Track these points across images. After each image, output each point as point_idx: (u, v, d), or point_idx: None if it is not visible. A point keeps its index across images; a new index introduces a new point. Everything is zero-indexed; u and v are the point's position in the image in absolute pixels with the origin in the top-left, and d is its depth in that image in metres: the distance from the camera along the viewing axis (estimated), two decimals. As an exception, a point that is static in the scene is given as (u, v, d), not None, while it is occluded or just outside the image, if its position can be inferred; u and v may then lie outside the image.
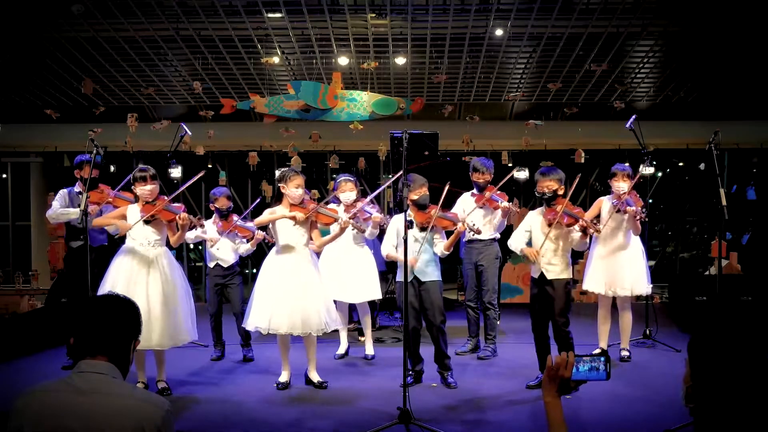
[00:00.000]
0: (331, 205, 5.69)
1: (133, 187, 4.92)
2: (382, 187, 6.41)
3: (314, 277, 5.00)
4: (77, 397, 1.98)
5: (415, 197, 5.01)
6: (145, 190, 4.85)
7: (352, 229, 5.35)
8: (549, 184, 4.90)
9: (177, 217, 4.77)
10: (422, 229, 5.02)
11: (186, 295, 4.96)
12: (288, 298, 4.84)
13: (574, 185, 5.00)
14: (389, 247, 5.18)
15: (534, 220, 5.05)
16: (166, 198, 4.94)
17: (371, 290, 5.89)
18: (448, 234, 5.12)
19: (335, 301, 5.36)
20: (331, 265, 5.73)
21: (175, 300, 4.84)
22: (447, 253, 5.06)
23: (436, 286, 5.06)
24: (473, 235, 5.28)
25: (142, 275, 4.77)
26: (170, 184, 7.40)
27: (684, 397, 1.86)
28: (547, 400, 2.05)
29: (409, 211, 5.03)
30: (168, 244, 4.98)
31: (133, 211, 4.90)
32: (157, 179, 4.96)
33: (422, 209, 5.05)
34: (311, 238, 5.10)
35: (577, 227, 4.83)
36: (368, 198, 5.94)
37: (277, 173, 6.66)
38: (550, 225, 4.88)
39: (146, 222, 4.83)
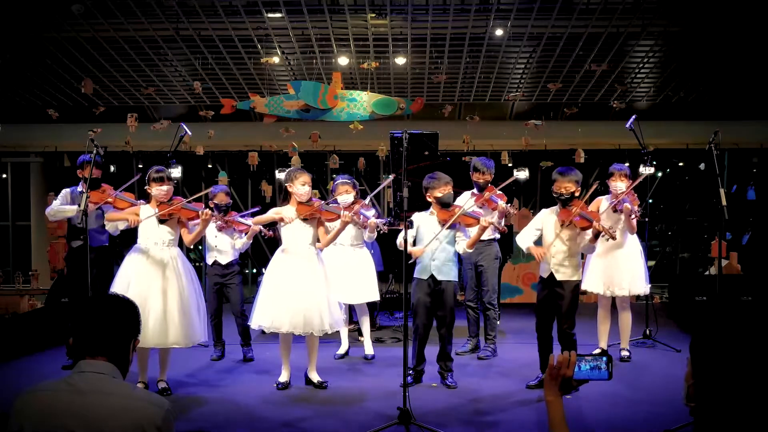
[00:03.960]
0: (332, 205, 5.69)
1: (147, 187, 4.94)
2: (378, 189, 6.37)
3: (319, 276, 4.98)
4: (77, 397, 1.97)
5: (438, 195, 4.99)
6: (161, 190, 4.87)
7: (354, 226, 5.31)
8: (567, 186, 4.83)
9: (201, 213, 4.81)
10: (448, 227, 4.93)
11: (198, 296, 4.99)
12: (290, 297, 4.84)
13: (591, 190, 5.00)
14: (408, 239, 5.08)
15: (547, 219, 4.98)
16: (182, 198, 4.99)
17: (369, 292, 5.88)
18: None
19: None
20: (329, 265, 5.72)
21: (189, 300, 4.87)
22: (469, 251, 5.08)
23: (452, 286, 5.04)
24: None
25: (158, 274, 4.78)
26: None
27: (685, 396, 1.85)
28: (548, 399, 2.04)
29: (432, 209, 5.02)
30: (180, 244, 5.00)
31: (146, 211, 4.91)
32: (172, 180, 5.01)
33: (445, 207, 5.02)
34: (318, 237, 5.09)
35: (590, 231, 4.80)
36: (365, 200, 5.92)
37: (282, 174, 6.64)
38: (563, 225, 4.83)
39: (161, 222, 4.86)
